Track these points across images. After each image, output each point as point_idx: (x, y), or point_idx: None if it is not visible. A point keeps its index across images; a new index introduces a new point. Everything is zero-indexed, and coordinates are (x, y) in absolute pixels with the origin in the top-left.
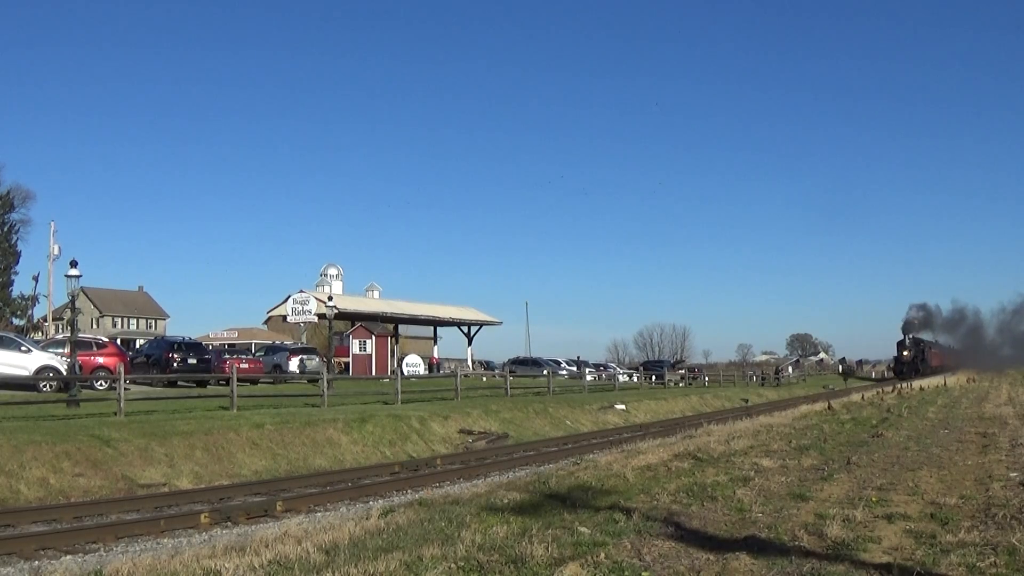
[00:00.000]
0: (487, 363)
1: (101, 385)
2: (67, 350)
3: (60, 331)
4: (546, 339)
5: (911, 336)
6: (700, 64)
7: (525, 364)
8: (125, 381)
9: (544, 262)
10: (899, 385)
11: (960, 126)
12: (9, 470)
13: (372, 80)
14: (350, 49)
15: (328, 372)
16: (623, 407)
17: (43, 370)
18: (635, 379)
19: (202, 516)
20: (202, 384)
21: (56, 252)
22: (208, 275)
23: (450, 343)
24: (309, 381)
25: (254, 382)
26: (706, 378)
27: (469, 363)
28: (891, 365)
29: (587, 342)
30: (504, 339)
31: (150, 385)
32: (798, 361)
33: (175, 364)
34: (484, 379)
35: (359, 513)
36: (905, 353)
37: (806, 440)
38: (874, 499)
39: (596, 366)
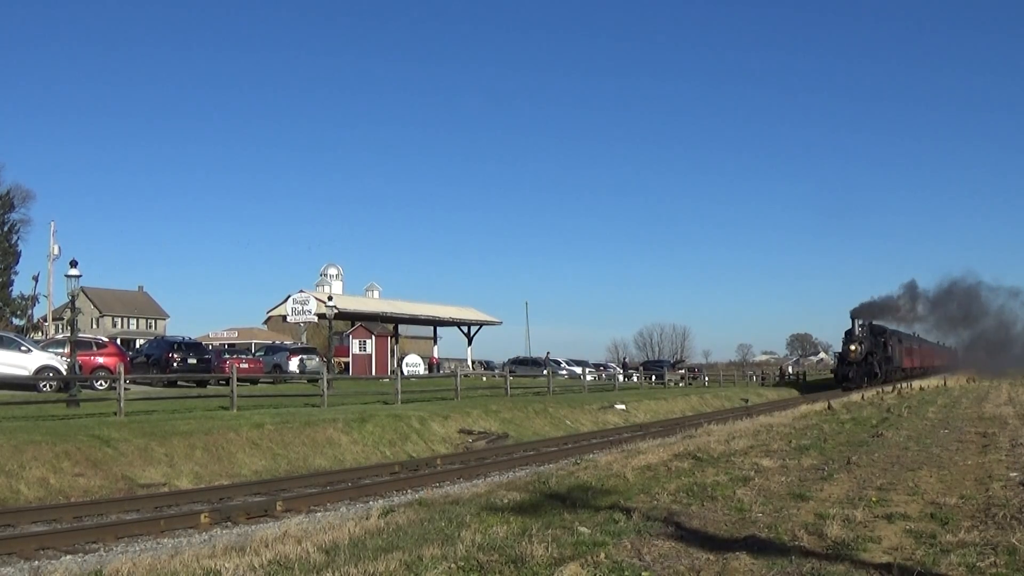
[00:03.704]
0: (486, 363)
1: (101, 385)
2: (67, 350)
3: (60, 331)
4: (546, 339)
5: (865, 323)
6: (700, 64)
7: (525, 364)
8: (125, 381)
9: (544, 262)
10: (899, 387)
11: (961, 126)
12: (9, 470)
13: (372, 80)
14: (350, 49)
15: (328, 372)
16: (623, 407)
17: (43, 370)
18: (635, 379)
19: (202, 516)
20: (202, 384)
21: (56, 252)
22: (208, 275)
23: (450, 343)
24: (309, 381)
25: (254, 382)
26: (706, 378)
27: (469, 363)
28: (832, 367)
29: (587, 342)
30: (504, 339)
31: (150, 385)
32: (798, 361)
33: (175, 364)
34: (484, 379)
35: (359, 513)
36: (853, 348)
37: (806, 440)
38: (874, 499)
39: (597, 366)
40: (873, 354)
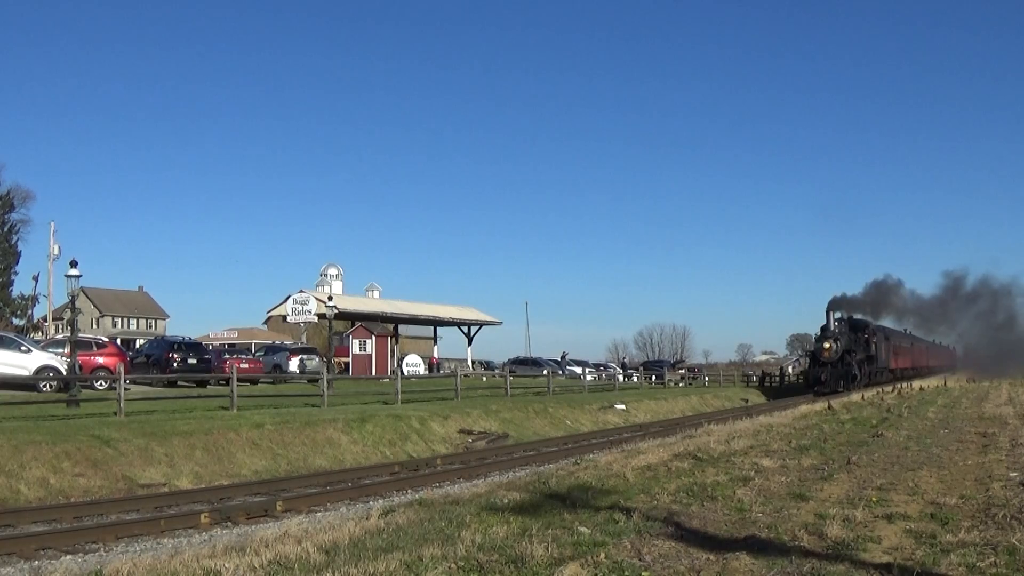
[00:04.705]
0: (486, 363)
1: (101, 385)
2: (67, 350)
3: (60, 331)
4: (546, 339)
5: (842, 317)
6: (700, 64)
7: (525, 364)
8: (125, 381)
9: (544, 262)
10: (899, 387)
11: (961, 126)
12: (9, 470)
13: (372, 80)
14: (350, 49)
15: (328, 372)
16: (623, 407)
17: (43, 370)
18: (635, 379)
19: (202, 516)
20: (202, 384)
21: (56, 252)
22: (208, 275)
23: (450, 343)
24: (309, 381)
25: (254, 382)
26: (706, 378)
27: (469, 363)
28: (803, 367)
29: (587, 342)
30: (504, 339)
31: (150, 385)
32: (798, 361)
33: (175, 364)
34: (484, 379)
35: (359, 513)
36: (827, 347)
37: (806, 440)
38: (874, 499)
39: (597, 366)
40: (852, 353)
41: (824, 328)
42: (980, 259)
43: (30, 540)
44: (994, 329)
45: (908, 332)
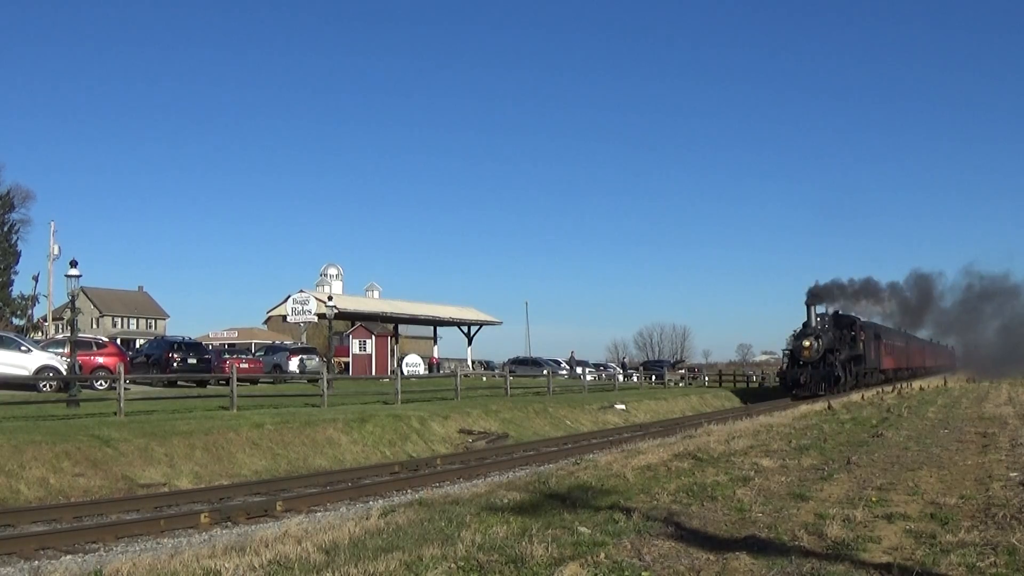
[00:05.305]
0: (486, 363)
1: (101, 385)
2: (67, 350)
3: (60, 331)
4: (546, 339)
5: (826, 313)
6: (700, 64)
7: (525, 364)
8: (125, 381)
9: (544, 262)
10: (899, 387)
11: (961, 126)
12: (9, 470)
13: (372, 80)
14: (350, 49)
15: (328, 372)
16: (623, 407)
17: (43, 370)
18: (635, 379)
19: (202, 516)
20: (202, 384)
21: (56, 252)
22: (208, 275)
23: (450, 343)
24: (309, 381)
25: (254, 382)
26: (706, 378)
27: (469, 363)
28: (781, 368)
29: (587, 342)
30: (504, 339)
31: (150, 385)
32: None
33: (175, 364)
34: (484, 379)
35: (359, 513)
36: (807, 345)
37: (806, 440)
38: (874, 499)
39: (597, 366)
40: (835, 352)
41: (805, 325)
42: (983, 259)
43: (30, 540)
44: (1004, 330)
45: (903, 330)
